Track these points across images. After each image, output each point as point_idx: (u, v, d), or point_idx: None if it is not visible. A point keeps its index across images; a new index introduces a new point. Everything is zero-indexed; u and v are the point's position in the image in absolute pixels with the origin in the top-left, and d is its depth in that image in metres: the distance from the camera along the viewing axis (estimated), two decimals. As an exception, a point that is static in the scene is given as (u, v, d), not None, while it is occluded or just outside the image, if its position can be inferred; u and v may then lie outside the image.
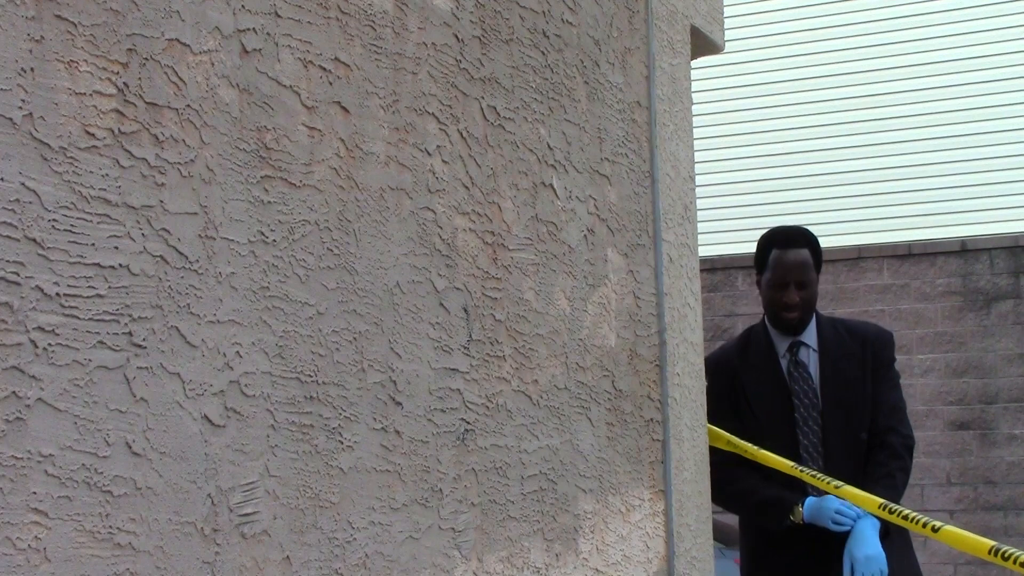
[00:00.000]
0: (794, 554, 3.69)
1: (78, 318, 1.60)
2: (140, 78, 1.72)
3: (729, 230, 9.77)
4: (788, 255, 3.63)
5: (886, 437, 3.68)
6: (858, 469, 3.61)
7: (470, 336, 2.47)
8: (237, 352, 1.87)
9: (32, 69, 1.55)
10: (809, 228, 3.96)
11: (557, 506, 2.76)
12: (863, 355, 3.71)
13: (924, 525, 3.47)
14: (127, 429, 1.67)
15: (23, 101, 1.54)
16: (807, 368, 3.70)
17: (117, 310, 1.66)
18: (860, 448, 3.66)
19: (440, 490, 2.34)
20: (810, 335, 3.75)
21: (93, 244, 1.63)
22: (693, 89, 4.00)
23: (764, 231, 3.93)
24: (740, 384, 3.79)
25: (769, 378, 3.76)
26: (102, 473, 1.63)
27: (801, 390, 3.69)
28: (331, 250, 2.09)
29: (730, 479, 3.71)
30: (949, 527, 3.16)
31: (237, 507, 1.85)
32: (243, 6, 1.92)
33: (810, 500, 3.57)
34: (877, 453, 3.68)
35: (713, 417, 3.64)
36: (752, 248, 9.83)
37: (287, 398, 1.97)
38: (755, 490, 3.69)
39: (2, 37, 1.51)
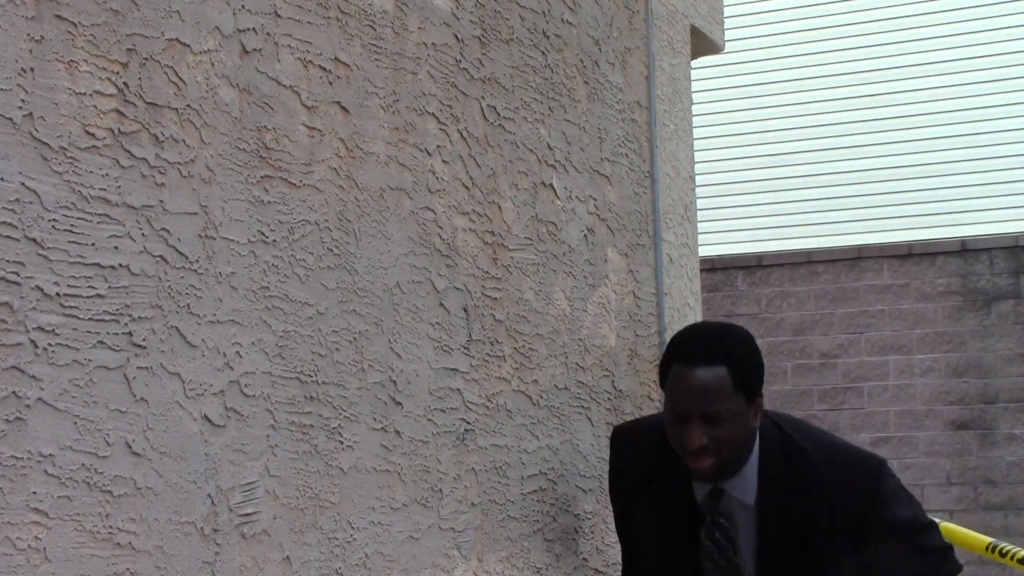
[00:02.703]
0: None
1: (78, 318, 1.60)
2: (140, 78, 1.72)
3: (729, 230, 9.78)
4: (690, 375, 2.28)
5: None
6: None
7: (470, 336, 2.47)
8: (237, 352, 1.87)
9: (32, 69, 1.55)
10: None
11: (557, 506, 2.76)
12: (832, 524, 2.35)
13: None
14: (127, 429, 1.67)
15: (23, 101, 1.54)
16: (728, 533, 2.39)
17: (117, 310, 1.66)
18: None
19: (440, 490, 2.33)
20: (742, 483, 2.39)
21: (93, 244, 1.63)
22: (693, 89, 4.00)
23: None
24: (631, 516, 2.55)
25: (674, 529, 2.45)
26: (102, 473, 1.63)
27: (714, 567, 2.41)
28: (331, 250, 2.09)
29: None
30: (946, 524, 3.17)
31: (237, 507, 1.85)
32: (243, 6, 1.92)
33: None
34: None
35: (618, 523, 2.64)
36: (752, 248, 9.85)
37: (287, 398, 1.97)
38: None
39: (2, 37, 1.51)
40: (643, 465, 2.50)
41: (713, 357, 2.28)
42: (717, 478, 2.35)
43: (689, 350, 2.30)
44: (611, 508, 2.71)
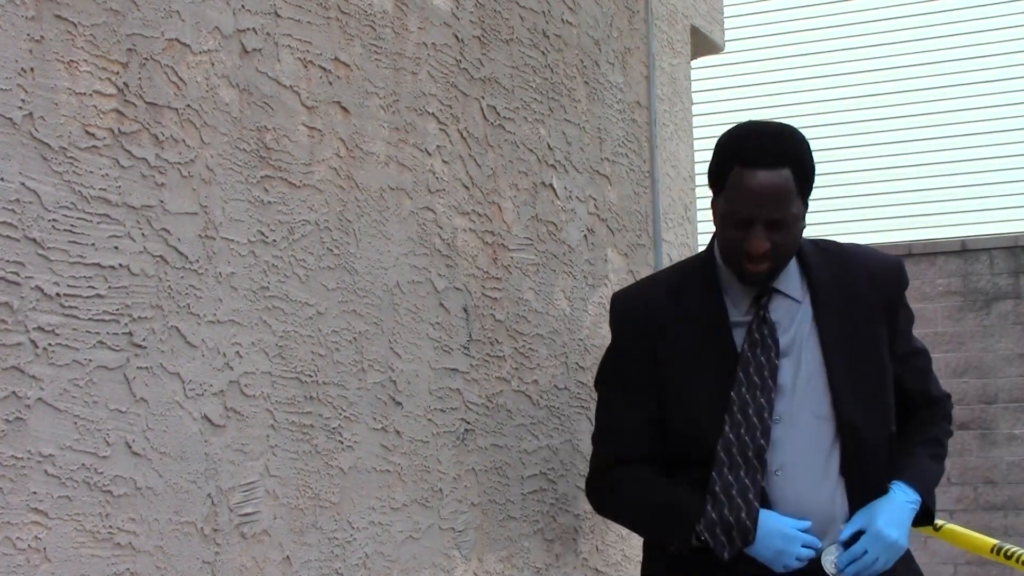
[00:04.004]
0: None
1: (78, 318, 1.60)
2: (140, 78, 1.72)
3: (729, 230, 9.77)
4: (757, 178, 2.20)
5: (921, 415, 2.46)
6: (876, 480, 2.34)
7: (470, 336, 2.47)
8: (237, 352, 1.87)
9: (32, 69, 1.55)
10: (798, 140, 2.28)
11: (557, 506, 2.76)
12: (874, 296, 2.37)
13: (925, 524, 3.47)
14: (127, 429, 1.67)
15: (23, 101, 1.54)
16: (775, 334, 2.32)
17: (117, 310, 1.66)
18: (891, 450, 2.37)
19: (440, 490, 2.34)
20: (787, 279, 2.35)
21: (93, 244, 1.63)
22: (693, 89, 4.00)
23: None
24: (666, 344, 2.38)
25: (711, 340, 2.35)
26: (102, 473, 1.63)
27: (754, 363, 2.31)
28: (331, 250, 2.09)
29: (621, 482, 2.44)
30: (951, 525, 3.17)
31: (237, 507, 1.85)
32: (243, 6, 1.92)
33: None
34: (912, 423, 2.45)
35: (624, 402, 2.43)
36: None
37: (287, 398, 1.97)
38: (653, 494, 2.39)
39: (2, 37, 1.51)
40: (659, 297, 2.43)
41: (778, 159, 2.23)
42: (768, 280, 2.33)
43: (753, 151, 2.23)
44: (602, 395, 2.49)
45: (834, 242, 2.47)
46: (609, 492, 2.48)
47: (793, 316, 2.35)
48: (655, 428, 2.40)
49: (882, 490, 2.33)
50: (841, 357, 2.32)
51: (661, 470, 2.41)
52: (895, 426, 2.38)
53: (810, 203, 2.35)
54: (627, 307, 2.46)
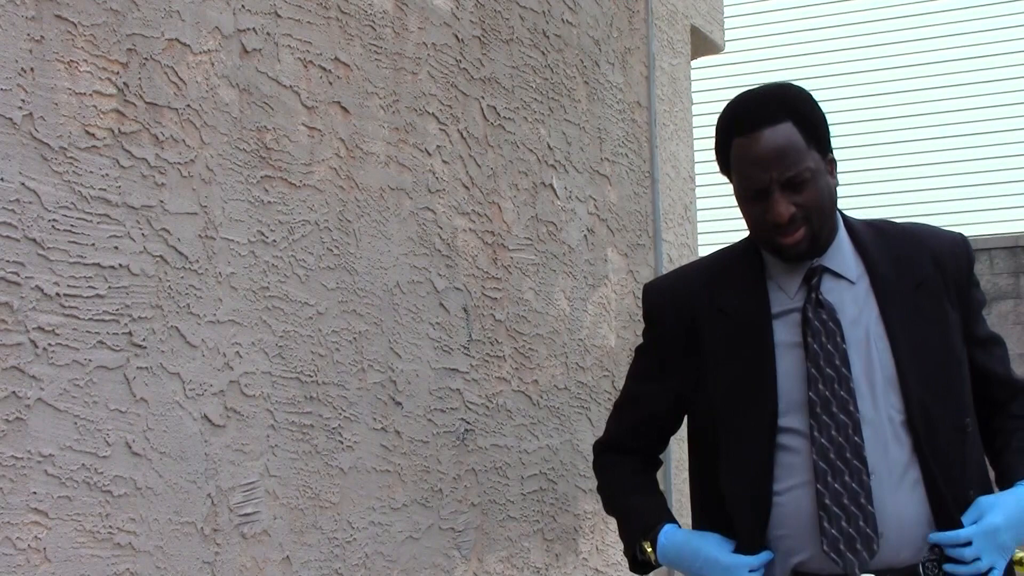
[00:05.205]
0: None
1: (78, 318, 1.60)
2: (140, 78, 1.72)
3: (729, 230, 9.79)
4: (756, 141, 2.02)
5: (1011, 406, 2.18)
6: (973, 482, 2.06)
7: (470, 336, 2.47)
8: (237, 352, 1.87)
9: (32, 69, 1.55)
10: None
11: (557, 506, 2.76)
12: (940, 278, 2.14)
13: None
14: (127, 429, 1.67)
15: (23, 101, 1.54)
16: (835, 315, 2.09)
17: (117, 310, 1.66)
18: (966, 446, 2.08)
19: (440, 490, 2.33)
20: (840, 257, 2.13)
21: (93, 244, 1.63)
22: (693, 89, 4.01)
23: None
24: (699, 339, 2.14)
25: (753, 331, 2.11)
26: (102, 473, 1.63)
27: (823, 353, 2.07)
28: (331, 250, 2.09)
29: (606, 469, 2.24)
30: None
31: (237, 507, 1.85)
32: (243, 6, 1.92)
33: (671, 533, 2.04)
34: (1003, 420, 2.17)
35: (632, 393, 2.24)
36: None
37: (287, 398, 1.97)
38: (621, 494, 2.22)
39: (2, 37, 1.52)
40: (693, 287, 2.20)
41: (773, 115, 2.03)
42: (811, 252, 2.08)
43: (745, 117, 2.04)
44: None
45: (890, 221, 2.25)
46: (597, 476, 2.25)
47: (850, 299, 2.13)
48: (654, 425, 2.23)
49: (961, 493, 2.06)
50: (909, 345, 2.10)
51: (648, 465, 2.24)
52: (971, 419, 2.12)
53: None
54: (652, 300, 2.25)
